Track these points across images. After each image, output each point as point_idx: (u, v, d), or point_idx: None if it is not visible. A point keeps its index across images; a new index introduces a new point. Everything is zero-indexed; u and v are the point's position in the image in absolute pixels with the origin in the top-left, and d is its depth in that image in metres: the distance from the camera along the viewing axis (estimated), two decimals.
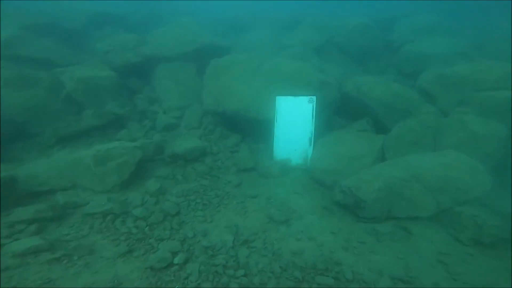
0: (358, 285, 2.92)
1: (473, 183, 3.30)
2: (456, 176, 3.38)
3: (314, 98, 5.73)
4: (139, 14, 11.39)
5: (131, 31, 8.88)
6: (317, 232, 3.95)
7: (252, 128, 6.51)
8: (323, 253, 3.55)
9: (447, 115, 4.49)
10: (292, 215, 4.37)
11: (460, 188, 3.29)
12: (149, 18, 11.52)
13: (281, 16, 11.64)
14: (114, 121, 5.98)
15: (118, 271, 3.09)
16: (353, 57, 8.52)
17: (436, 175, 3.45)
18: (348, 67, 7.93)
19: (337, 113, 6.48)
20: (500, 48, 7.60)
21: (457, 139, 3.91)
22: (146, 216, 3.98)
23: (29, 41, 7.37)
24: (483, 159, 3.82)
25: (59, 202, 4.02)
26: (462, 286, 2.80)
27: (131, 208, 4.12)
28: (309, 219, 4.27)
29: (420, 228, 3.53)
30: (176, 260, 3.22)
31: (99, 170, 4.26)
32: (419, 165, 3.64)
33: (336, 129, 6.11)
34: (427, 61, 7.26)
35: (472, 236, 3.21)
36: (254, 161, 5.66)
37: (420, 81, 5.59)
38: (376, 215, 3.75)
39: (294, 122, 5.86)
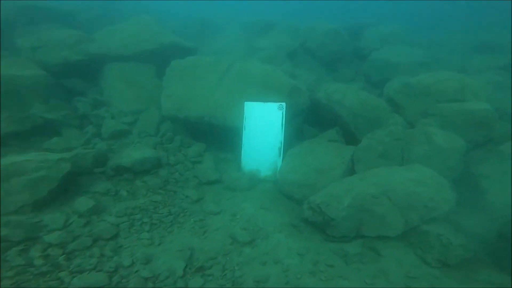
0: None
1: (439, 200, 3.26)
2: (424, 192, 3.31)
3: (284, 104, 5.46)
4: (91, 12, 10.22)
5: (78, 29, 7.85)
6: (284, 254, 3.62)
7: (218, 136, 6.04)
8: (289, 279, 3.21)
9: (413, 126, 4.52)
10: (258, 234, 3.99)
11: (428, 205, 3.22)
12: (104, 17, 10.39)
13: (254, 19, 11.39)
14: (42, 127, 5.04)
15: None
16: (325, 63, 8.52)
17: (406, 192, 3.34)
18: (319, 74, 7.87)
19: (308, 121, 6.32)
20: (451, 60, 8.16)
21: (423, 152, 3.90)
22: (65, 242, 3.19)
23: None
24: (446, 174, 3.85)
25: None
26: None
27: (43, 232, 3.29)
28: (276, 239, 3.93)
29: (389, 248, 3.38)
30: None
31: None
32: (389, 181, 3.51)
33: (307, 138, 5.93)
34: (393, 69, 7.46)
35: (438, 257, 3.12)
36: (219, 173, 5.19)
37: (387, 90, 5.64)
38: (345, 234, 3.55)
39: (263, 130, 5.53)
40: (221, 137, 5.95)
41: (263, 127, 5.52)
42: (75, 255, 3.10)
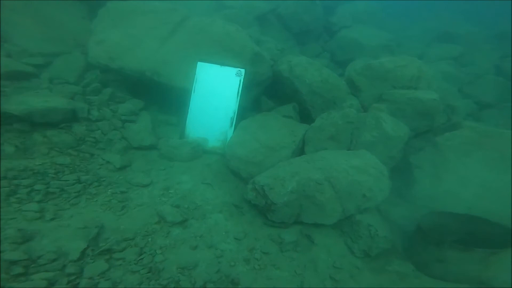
0: None
1: (377, 190, 3.17)
2: (365, 182, 3.16)
3: (243, 71, 4.76)
4: None
5: None
6: (220, 238, 3.19)
7: (161, 96, 5.07)
8: (221, 267, 2.82)
9: (367, 111, 4.37)
10: (193, 213, 3.45)
11: (366, 195, 3.11)
12: None
13: None
14: None
15: None
16: (295, 34, 7.82)
17: (349, 180, 3.11)
18: (287, 44, 7.18)
19: (267, 93, 5.80)
20: (413, 47, 8.43)
21: (371, 138, 3.77)
22: None
23: None
24: (387, 162, 3.83)
25: None
26: None
27: None
28: (214, 220, 3.46)
29: (322, 237, 3.20)
30: None
31: None
32: (334, 166, 3.26)
33: (264, 111, 5.45)
34: (358, 50, 7.21)
35: (363, 248, 3.06)
36: (155, 137, 4.36)
37: (349, 71, 5.40)
38: (285, 220, 3.28)
39: (216, 96, 4.78)
40: (165, 96, 5.01)
41: (216, 92, 4.77)
42: None
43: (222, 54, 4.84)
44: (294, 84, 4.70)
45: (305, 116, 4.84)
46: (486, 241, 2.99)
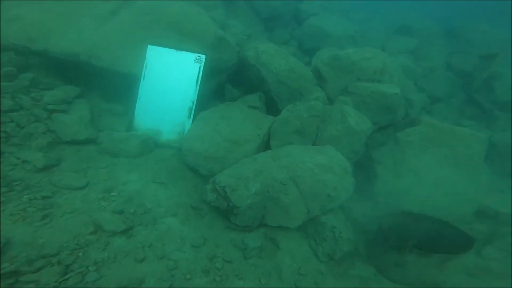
0: None
1: (341, 189, 3.05)
2: (330, 181, 2.99)
3: (204, 57, 4.24)
4: None
5: None
6: (174, 246, 2.77)
7: (103, 81, 4.31)
8: (174, 282, 2.41)
9: (332, 103, 4.23)
10: (142, 219, 2.96)
11: (331, 195, 2.97)
12: None
13: None
14: None
15: None
16: (263, 19, 7.46)
17: (313, 179, 2.90)
18: (255, 30, 6.80)
19: (232, 81, 5.38)
20: (376, 38, 8.68)
21: (335, 132, 3.65)
22: None
23: None
24: (349, 156, 3.78)
25: None
26: None
27: None
28: (167, 224, 3.01)
29: (287, 240, 2.98)
30: None
31: None
32: (299, 165, 3.02)
33: (228, 101, 5.04)
34: (325, 39, 7.08)
35: (328, 251, 2.96)
36: (94, 130, 3.67)
37: (316, 61, 5.23)
38: (248, 223, 2.99)
39: (171, 83, 4.17)
40: (108, 82, 4.27)
41: (171, 79, 4.17)
42: None
43: (178, 38, 4.26)
44: (261, 72, 4.36)
45: (272, 107, 4.55)
46: (445, 245, 3.10)
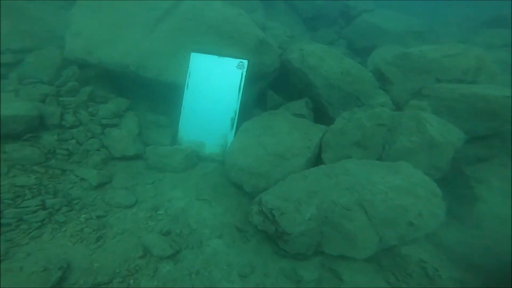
0: None
1: (428, 216, 2.47)
2: (411, 206, 2.44)
3: (246, 62, 4.05)
4: None
5: None
6: (221, 274, 2.57)
7: (149, 92, 4.46)
8: None
9: (401, 108, 3.56)
10: (188, 241, 2.88)
11: (414, 223, 2.43)
12: None
13: None
14: None
15: None
16: (305, 19, 7.04)
17: (388, 205, 2.40)
18: (297, 30, 6.43)
19: (274, 86, 5.11)
20: (450, 33, 7.42)
21: (409, 143, 3.05)
22: None
23: None
24: (430, 173, 3.11)
25: None
26: None
27: None
28: (213, 248, 2.86)
29: (352, 272, 2.53)
30: None
31: None
32: (367, 187, 2.56)
33: (270, 109, 4.76)
34: (381, 36, 6.35)
35: None
36: (142, 144, 3.76)
37: (376, 60, 4.55)
38: (302, 251, 2.67)
39: (213, 92, 4.11)
40: (154, 93, 4.40)
41: (213, 88, 4.09)
42: None
43: (220, 43, 4.15)
44: (307, 76, 3.98)
45: (321, 115, 4.12)
46: None
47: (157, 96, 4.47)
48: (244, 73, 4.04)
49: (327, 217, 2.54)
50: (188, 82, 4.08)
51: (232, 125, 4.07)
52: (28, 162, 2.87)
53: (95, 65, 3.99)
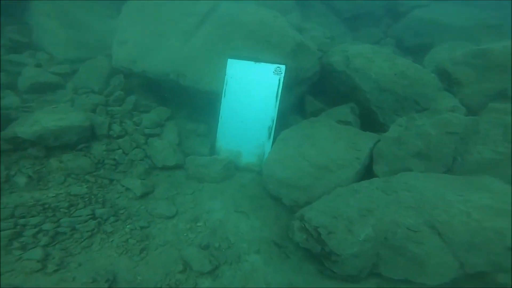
0: None
1: None
2: (506, 229, 2.05)
3: (284, 67, 3.87)
4: None
5: None
6: None
7: (187, 100, 4.54)
8: None
9: (475, 113, 3.08)
10: (226, 255, 2.79)
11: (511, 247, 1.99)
12: None
13: None
14: None
15: None
16: (345, 19, 6.64)
17: (472, 227, 2.00)
18: (336, 31, 6.10)
19: (313, 91, 4.84)
20: None
21: (492, 155, 2.48)
22: None
23: None
24: None
25: None
26: None
27: None
28: (251, 263, 2.74)
29: None
30: None
31: None
32: (440, 206, 2.17)
33: (309, 115, 4.50)
34: (440, 33, 5.67)
35: None
36: (182, 154, 3.82)
37: (439, 59, 4.00)
38: (353, 274, 2.38)
39: (250, 100, 4.01)
40: (192, 102, 4.46)
41: (250, 95, 3.98)
42: None
43: (257, 47, 4.03)
44: (353, 80, 3.65)
45: (369, 121, 3.73)
46: None
47: (195, 104, 4.54)
48: (282, 79, 3.86)
49: (387, 238, 2.21)
50: (225, 90, 4.04)
51: (270, 134, 3.91)
52: (81, 171, 3.09)
53: (139, 74, 4.17)
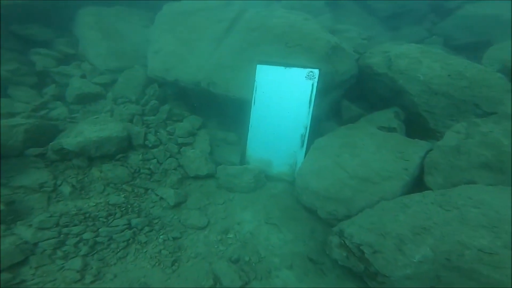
0: None
1: None
2: None
3: (317, 72, 3.67)
4: None
5: None
6: None
7: (218, 108, 4.55)
8: None
9: None
10: (256, 270, 2.66)
11: None
12: None
13: None
14: None
15: None
16: (382, 18, 6.24)
17: None
18: (372, 31, 5.72)
19: (349, 95, 4.53)
20: None
21: None
22: None
23: None
24: None
25: None
26: None
27: None
28: (282, 279, 2.57)
29: None
30: None
31: None
32: None
33: (346, 121, 4.21)
34: (498, 29, 5.09)
35: None
36: (213, 164, 3.79)
37: (505, 58, 3.49)
38: None
39: (281, 107, 3.86)
40: (224, 110, 4.45)
41: (281, 102, 3.83)
42: None
43: (288, 51, 3.89)
44: (396, 83, 3.32)
45: (416, 127, 3.35)
46: None
47: (226, 112, 4.53)
48: (315, 84, 3.66)
49: (450, 260, 1.90)
50: (255, 97, 3.95)
51: (302, 142, 3.71)
52: (119, 181, 3.21)
53: (172, 83, 4.28)
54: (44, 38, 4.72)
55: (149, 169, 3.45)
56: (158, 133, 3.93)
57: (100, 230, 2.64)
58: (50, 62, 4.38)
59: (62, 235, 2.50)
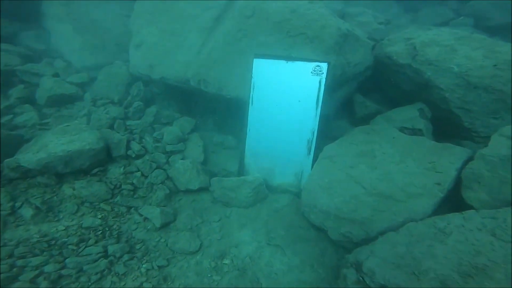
0: None
1: None
2: None
3: (325, 66, 3.13)
4: None
5: None
6: None
7: (213, 109, 4.09)
8: None
9: None
10: None
11: None
12: None
13: None
14: None
15: None
16: None
17: None
18: (387, 14, 5.14)
19: (364, 90, 3.99)
20: None
21: None
22: None
23: None
24: None
25: None
26: None
27: None
28: None
29: None
30: None
31: None
32: None
33: (360, 120, 3.70)
34: None
35: None
36: (207, 176, 3.36)
37: None
38: None
39: (283, 107, 3.35)
40: (218, 109, 4.00)
41: (283, 102, 3.32)
42: None
43: (290, 42, 3.36)
44: (423, 75, 2.81)
45: (446, 127, 2.84)
46: None
47: (222, 112, 4.08)
48: (323, 81, 3.14)
49: None
50: (252, 96, 3.44)
51: (309, 149, 3.26)
52: (96, 199, 2.83)
53: (158, 81, 3.82)
54: (9, 31, 4.23)
55: (132, 183, 3.05)
56: (143, 140, 3.52)
57: (66, 261, 2.26)
58: (15, 59, 3.93)
59: (15, 269, 2.13)
